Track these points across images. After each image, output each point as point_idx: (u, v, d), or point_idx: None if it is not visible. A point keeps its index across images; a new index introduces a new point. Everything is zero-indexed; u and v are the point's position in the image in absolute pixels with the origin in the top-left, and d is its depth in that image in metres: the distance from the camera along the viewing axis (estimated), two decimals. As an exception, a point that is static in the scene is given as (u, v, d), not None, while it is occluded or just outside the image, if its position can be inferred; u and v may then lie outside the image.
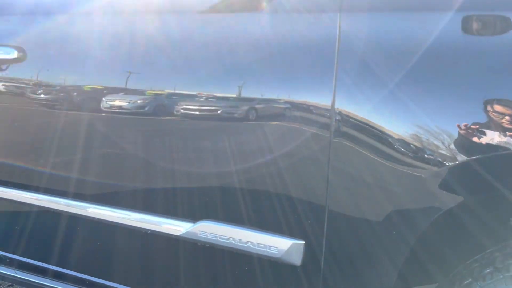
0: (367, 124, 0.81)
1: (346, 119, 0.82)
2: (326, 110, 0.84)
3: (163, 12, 1.02)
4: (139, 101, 1.04)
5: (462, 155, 0.75)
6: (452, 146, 0.75)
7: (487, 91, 0.74)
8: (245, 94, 0.90)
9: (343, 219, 0.87)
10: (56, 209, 1.18)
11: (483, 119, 0.73)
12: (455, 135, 0.75)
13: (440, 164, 0.76)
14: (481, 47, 0.77)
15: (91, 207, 1.10)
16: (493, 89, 0.74)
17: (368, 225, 0.85)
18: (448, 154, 0.76)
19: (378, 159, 0.81)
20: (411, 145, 0.79)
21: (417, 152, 0.78)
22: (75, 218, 1.17)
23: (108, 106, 1.06)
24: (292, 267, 0.94)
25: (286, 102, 0.87)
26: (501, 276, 0.80)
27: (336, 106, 0.83)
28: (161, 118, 1.01)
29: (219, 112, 0.94)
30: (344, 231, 0.88)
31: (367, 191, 0.83)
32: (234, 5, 0.97)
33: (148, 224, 1.06)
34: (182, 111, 0.97)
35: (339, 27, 0.84)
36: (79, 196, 1.14)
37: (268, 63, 0.89)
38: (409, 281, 0.91)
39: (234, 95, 0.92)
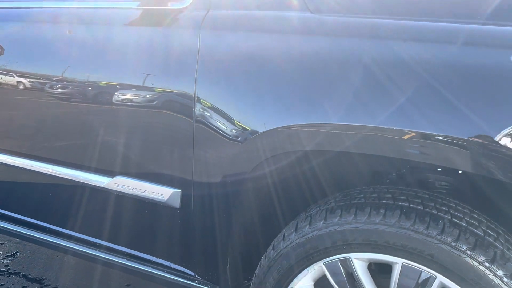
0: (217, 111, 1.20)
1: (204, 107, 1.21)
2: (191, 99, 1.22)
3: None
4: (68, 88, 1.44)
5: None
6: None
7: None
8: (138, 84, 1.31)
9: (203, 176, 1.26)
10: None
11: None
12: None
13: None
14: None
15: (36, 164, 1.52)
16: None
17: (218, 182, 1.24)
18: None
19: (224, 138, 1.19)
20: (244, 128, 1.17)
21: (243, 130, 1.17)
22: (20, 171, 1.59)
23: (48, 89, 1.48)
24: (174, 208, 1.33)
25: (162, 92, 1.27)
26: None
27: (197, 95, 1.22)
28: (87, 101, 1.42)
29: (118, 96, 1.34)
30: (203, 185, 1.27)
31: (212, 161, 1.22)
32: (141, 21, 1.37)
33: (81, 178, 1.47)
34: (98, 96, 1.37)
35: (199, 37, 1.23)
36: (23, 155, 1.57)
37: (152, 64, 1.29)
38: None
39: (129, 83, 1.33)
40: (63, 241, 1.64)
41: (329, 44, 1.09)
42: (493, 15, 1.03)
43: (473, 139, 0.92)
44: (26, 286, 2.09)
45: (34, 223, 1.65)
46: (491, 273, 0.96)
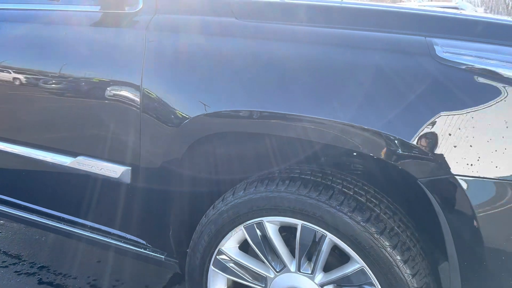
0: (159, 101, 1.43)
1: (149, 98, 1.44)
2: (138, 90, 1.45)
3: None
4: (40, 80, 1.68)
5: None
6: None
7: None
8: (97, 76, 1.55)
9: (149, 156, 1.49)
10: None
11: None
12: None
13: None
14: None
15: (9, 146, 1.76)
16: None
17: (161, 161, 1.47)
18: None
19: (165, 124, 1.42)
20: (180, 115, 1.40)
21: (179, 117, 1.40)
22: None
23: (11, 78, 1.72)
24: (126, 184, 1.56)
25: (115, 84, 1.50)
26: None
27: (143, 87, 1.45)
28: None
29: (82, 88, 1.57)
30: (149, 163, 1.50)
31: (155, 142, 1.45)
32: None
33: (49, 158, 1.70)
34: (65, 88, 1.60)
35: (146, 37, 1.46)
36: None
37: (110, 59, 1.53)
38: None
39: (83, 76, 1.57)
40: (33, 215, 1.87)
41: (246, 44, 1.33)
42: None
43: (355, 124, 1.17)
44: (5, 261, 2.31)
45: (6, 199, 1.89)
46: (365, 230, 1.19)
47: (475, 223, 1.08)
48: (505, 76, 1.05)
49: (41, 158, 1.70)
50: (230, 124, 1.30)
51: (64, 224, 1.83)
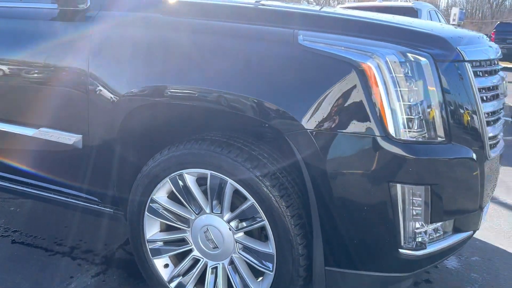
0: (103, 81, 1.80)
1: (94, 78, 1.81)
2: (86, 72, 1.82)
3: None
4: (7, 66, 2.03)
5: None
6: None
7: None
8: (54, 62, 1.91)
9: (96, 125, 1.86)
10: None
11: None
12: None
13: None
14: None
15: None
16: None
17: (105, 128, 1.84)
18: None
19: (107, 99, 1.79)
20: (118, 91, 1.77)
21: (118, 92, 1.77)
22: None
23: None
24: (79, 149, 1.93)
25: (70, 68, 1.87)
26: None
27: (89, 70, 1.81)
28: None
29: (42, 72, 1.93)
30: (97, 130, 1.87)
31: (100, 113, 1.82)
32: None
33: (17, 130, 2.05)
34: (28, 72, 1.96)
35: (92, 29, 1.83)
36: None
37: (65, 48, 1.89)
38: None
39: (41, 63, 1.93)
40: (4, 182, 2.23)
41: (167, 34, 1.71)
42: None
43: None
44: (-17, 226, 2.66)
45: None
46: (253, 174, 1.58)
47: (324, 170, 1.48)
48: (340, 57, 1.46)
49: (9, 130, 2.06)
50: (154, 97, 1.69)
51: (30, 188, 2.20)
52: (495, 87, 1.83)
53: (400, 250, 1.51)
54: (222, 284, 1.79)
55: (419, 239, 1.54)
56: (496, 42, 16.92)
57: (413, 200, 1.49)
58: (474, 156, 1.56)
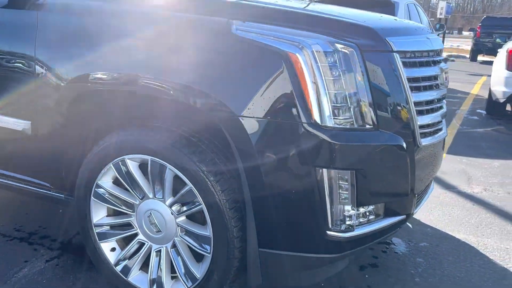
0: (49, 68, 1.83)
1: (41, 65, 1.84)
2: (32, 59, 1.85)
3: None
4: None
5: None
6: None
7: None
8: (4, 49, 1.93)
9: (43, 111, 1.90)
10: None
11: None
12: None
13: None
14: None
15: None
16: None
17: (53, 113, 1.87)
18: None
19: (54, 85, 1.83)
20: (65, 77, 1.81)
21: (64, 78, 1.80)
22: None
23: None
24: (28, 135, 1.96)
25: (19, 56, 1.89)
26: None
27: (36, 57, 1.84)
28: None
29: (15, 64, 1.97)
30: (44, 116, 1.91)
31: (47, 100, 1.85)
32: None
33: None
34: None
35: (38, 16, 1.86)
36: None
37: (16, 35, 1.92)
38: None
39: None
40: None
41: (109, 21, 1.75)
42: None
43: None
44: None
45: None
46: (190, 159, 1.63)
47: (254, 156, 1.54)
48: (270, 46, 1.51)
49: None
50: (95, 84, 1.73)
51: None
52: (432, 77, 1.90)
53: (328, 232, 1.58)
54: (165, 266, 1.85)
55: (348, 222, 1.61)
56: (482, 36, 17.12)
57: (340, 184, 1.55)
58: (403, 143, 1.64)
